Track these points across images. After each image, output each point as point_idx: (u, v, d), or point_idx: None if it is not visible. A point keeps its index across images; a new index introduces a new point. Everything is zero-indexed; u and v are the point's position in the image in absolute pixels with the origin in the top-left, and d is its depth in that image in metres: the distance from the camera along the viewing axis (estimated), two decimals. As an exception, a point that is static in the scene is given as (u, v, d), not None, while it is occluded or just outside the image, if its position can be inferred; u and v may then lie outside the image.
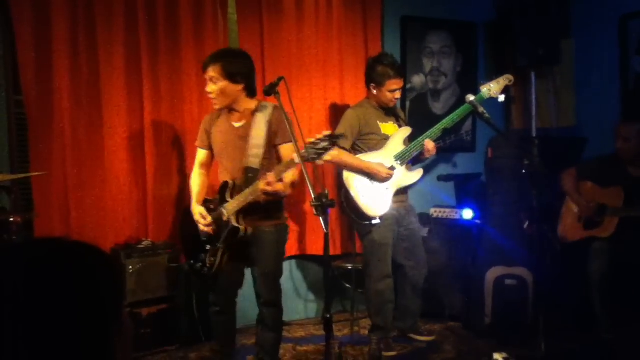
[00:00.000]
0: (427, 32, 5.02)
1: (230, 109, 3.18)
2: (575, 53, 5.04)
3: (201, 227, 3.13)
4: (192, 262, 3.23)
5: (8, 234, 3.13)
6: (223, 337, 3.41)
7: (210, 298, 3.37)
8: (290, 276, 4.63)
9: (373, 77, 3.77)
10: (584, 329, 4.02)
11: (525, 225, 4.20)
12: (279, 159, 3.12)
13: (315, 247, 4.54)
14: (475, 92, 3.64)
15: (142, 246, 3.84)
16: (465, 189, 4.90)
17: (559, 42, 4.85)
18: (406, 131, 3.85)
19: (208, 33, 4.16)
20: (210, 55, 3.15)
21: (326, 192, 2.54)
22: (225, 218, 3.07)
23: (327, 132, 2.64)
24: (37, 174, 3.57)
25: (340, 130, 3.71)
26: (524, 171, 3.30)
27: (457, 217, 4.52)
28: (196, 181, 3.30)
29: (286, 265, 4.56)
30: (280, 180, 2.92)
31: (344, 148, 3.65)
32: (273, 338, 3.29)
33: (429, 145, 3.72)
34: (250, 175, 3.04)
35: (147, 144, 3.98)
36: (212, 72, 3.06)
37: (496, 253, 4.21)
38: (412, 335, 4.05)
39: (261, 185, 2.88)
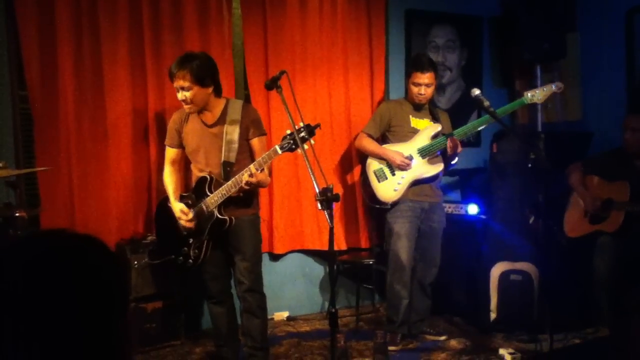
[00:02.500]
0: (432, 25, 4.99)
1: (201, 110, 3.24)
2: (581, 47, 5.01)
3: (183, 222, 3.22)
4: (173, 257, 3.30)
5: (14, 229, 3.13)
6: (225, 329, 3.42)
7: (208, 293, 3.42)
8: (294, 271, 4.63)
9: (405, 70, 3.97)
10: (589, 324, 4.01)
11: (531, 220, 4.19)
12: (251, 152, 3.27)
13: (318, 242, 4.54)
14: (480, 87, 3.64)
15: (147, 241, 3.85)
16: (470, 184, 4.89)
17: (565, 36, 4.82)
18: (435, 127, 3.91)
19: (212, 28, 4.16)
20: (174, 63, 3.11)
21: (330, 186, 2.54)
22: (207, 211, 3.18)
23: (304, 123, 2.83)
24: (42, 169, 3.58)
25: (371, 120, 4.09)
26: (529, 166, 3.28)
27: (462, 212, 4.51)
28: (170, 179, 3.37)
29: (290, 260, 4.57)
30: (262, 170, 3.07)
31: (371, 136, 3.98)
32: (260, 324, 3.35)
33: (455, 141, 3.76)
34: (227, 169, 3.18)
35: (151, 138, 3.99)
36: (181, 81, 3.09)
37: (501, 248, 4.20)
38: (421, 335, 4.05)
39: (245, 176, 3.00)
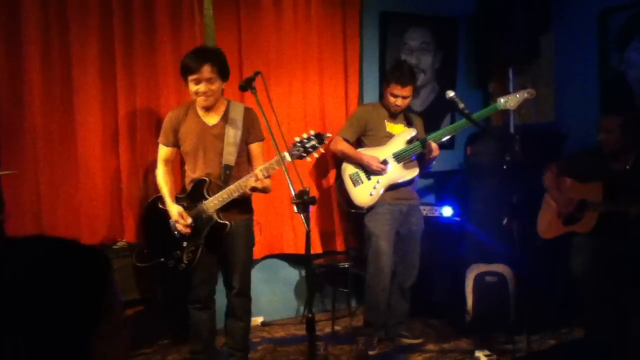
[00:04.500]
0: (407, 28, 4.97)
1: (210, 109, 3.20)
2: (554, 48, 5.04)
3: (180, 226, 3.13)
4: (162, 260, 3.21)
5: (-23, 235, 3.02)
6: (206, 335, 3.37)
7: (189, 296, 3.33)
8: (268, 276, 4.56)
9: (385, 76, 4.00)
10: (565, 325, 4.03)
11: (504, 222, 4.20)
12: (249, 157, 3.30)
13: (293, 246, 4.48)
14: (454, 89, 3.66)
15: (117, 247, 3.76)
16: (445, 187, 4.89)
17: (539, 37, 4.85)
18: (409, 132, 3.91)
19: (184, 28, 4.07)
20: (198, 54, 3.11)
21: (307, 189, 2.51)
22: (205, 215, 3.12)
23: (314, 132, 2.94)
24: (6, 172, 3.46)
25: (346, 123, 4.06)
26: (504, 167, 3.29)
27: (436, 214, 4.50)
28: (165, 179, 3.26)
29: (264, 264, 4.51)
30: (268, 176, 3.06)
31: (347, 140, 3.93)
32: (243, 327, 3.37)
33: (431, 146, 3.76)
34: (227, 173, 3.15)
35: (121, 141, 3.89)
36: (208, 72, 3.06)
37: (476, 250, 4.21)
38: (397, 338, 4.02)
39: (251, 182, 3.01)
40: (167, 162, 3.29)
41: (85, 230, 3.79)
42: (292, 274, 4.68)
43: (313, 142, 2.99)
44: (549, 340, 3.89)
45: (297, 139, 3.02)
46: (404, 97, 3.83)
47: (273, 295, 4.58)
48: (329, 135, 3.09)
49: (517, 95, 3.79)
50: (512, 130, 4.88)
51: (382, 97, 4.03)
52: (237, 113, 3.21)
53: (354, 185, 3.87)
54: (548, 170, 4.07)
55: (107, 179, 3.88)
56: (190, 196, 3.18)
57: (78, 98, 3.77)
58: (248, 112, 3.24)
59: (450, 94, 3.40)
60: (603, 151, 3.89)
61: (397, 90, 3.80)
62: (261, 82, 2.89)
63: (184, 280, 3.32)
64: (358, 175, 3.87)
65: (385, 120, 3.93)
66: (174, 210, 3.14)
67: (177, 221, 3.13)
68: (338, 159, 4.19)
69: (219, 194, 3.09)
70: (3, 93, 3.58)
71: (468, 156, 4.56)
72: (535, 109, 5.16)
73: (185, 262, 3.16)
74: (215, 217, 3.12)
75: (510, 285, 4.05)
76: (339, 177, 4.03)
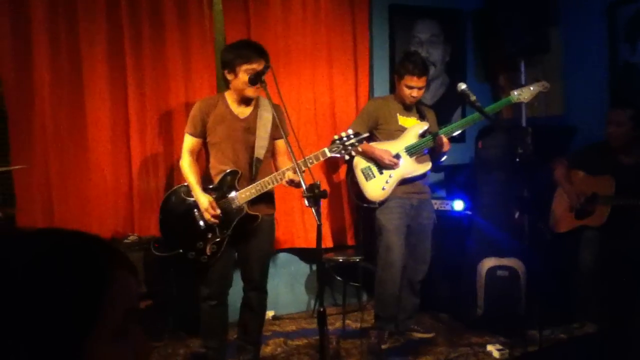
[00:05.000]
0: (416, 20, 4.95)
1: (241, 100, 3.21)
2: (563, 41, 5.01)
3: (208, 216, 3.08)
4: (181, 251, 3.15)
5: (-11, 229, 3.03)
6: (219, 331, 3.33)
7: (203, 292, 3.26)
8: (279, 270, 4.56)
9: (396, 69, 3.91)
10: (575, 319, 4.00)
11: (516, 216, 4.18)
12: (273, 151, 3.31)
13: (304, 240, 4.48)
14: (464, 81, 3.62)
15: (128, 241, 3.76)
16: (456, 180, 4.87)
17: (547, 30, 4.81)
18: (422, 126, 3.87)
19: (193, 23, 4.07)
20: (257, 45, 3.14)
21: (318, 182, 2.49)
22: (236, 206, 3.12)
23: (353, 131, 3.04)
24: (17, 167, 3.47)
25: (358, 117, 4.01)
26: (517, 160, 3.27)
27: (447, 208, 4.48)
28: (192, 169, 3.20)
29: (275, 258, 4.50)
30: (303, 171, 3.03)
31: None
32: (258, 322, 3.39)
33: (442, 140, 3.75)
34: (257, 166, 3.18)
35: (132, 135, 3.90)
36: (264, 62, 3.08)
37: (487, 244, 4.18)
38: (408, 332, 4.01)
39: (289, 174, 3.02)
40: (193, 152, 3.24)
41: (96, 224, 3.79)
42: (303, 269, 4.68)
43: (352, 141, 3.03)
44: (560, 334, 3.87)
45: (337, 136, 3.07)
46: (419, 88, 3.78)
47: (284, 289, 4.58)
48: (366, 134, 3.16)
49: (532, 88, 3.74)
50: (523, 123, 4.84)
51: (392, 90, 3.99)
52: (267, 108, 3.21)
53: (366, 179, 3.83)
54: (559, 163, 4.06)
55: (118, 174, 3.89)
56: (220, 187, 3.15)
57: (88, 93, 3.78)
58: (277, 107, 3.17)
59: (462, 86, 3.38)
60: (611, 145, 3.86)
61: (413, 81, 3.75)
62: (271, 76, 2.88)
63: (197, 275, 3.28)
64: (370, 169, 3.83)
65: (398, 114, 3.88)
66: (205, 199, 3.09)
67: (206, 210, 3.08)
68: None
69: (252, 185, 3.09)
70: (13, 89, 3.59)
71: (479, 150, 4.53)
72: (545, 103, 5.12)
73: (208, 254, 3.12)
74: (246, 208, 3.11)
75: (522, 280, 4.03)
76: (351, 171, 3.97)
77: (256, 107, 3.23)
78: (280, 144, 3.28)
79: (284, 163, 3.29)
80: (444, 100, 5.06)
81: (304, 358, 3.67)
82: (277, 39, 4.33)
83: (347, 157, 3.09)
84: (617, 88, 4.58)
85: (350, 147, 3.05)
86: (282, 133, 3.14)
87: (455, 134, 3.92)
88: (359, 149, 3.11)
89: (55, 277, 0.73)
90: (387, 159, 3.75)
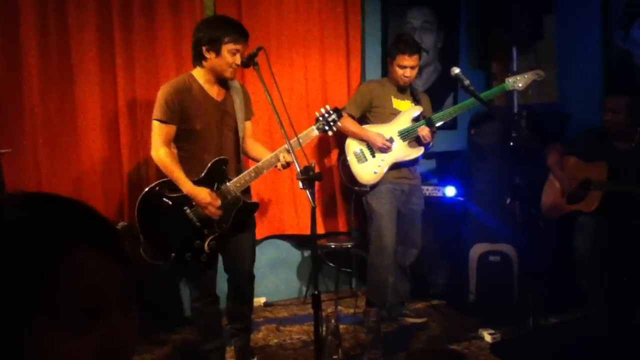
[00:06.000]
0: (409, 6, 4.91)
1: (215, 81, 2.98)
2: (557, 28, 4.99)
3: (213, 210, 2.85)
4: (173, 255, 2.83)
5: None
6: (217, 330, 3.17)
7: (195, 293, 3.05)
8: (270, 257, 4.53)
9: (389, 51, 3.90)
10: (569, 305, 4.01)
11: (507, 202, 4.17)
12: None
13: (296, 226, 4.45)
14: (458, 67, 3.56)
15: (118, 227, 3.71)
16: (448, 167, 4.85)
17: (542, 17, 4.79)
18: (415, 110, 3.85)
19: (184, 9, 4.02)
20: (242, 27, 2.94)
21: (312, 165, 2.46)
22: (231, 196, 2.92)
23: (330, 107, 2.96)
24: (5, 150, 3.41)
25: (351, 99, 3.99)
26: (511, 144, 3.25)
27: (439, 194, 4.47)
28: (175, 161, 2.86)
29: (265, 245, 4.47)
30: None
31: (351, 116, 3.85)
32: (249, 308, 3.27)
33: (423, 131, 3.72)
34: (240, 151, 3.02)
35: (121, 121, 3.84)
36: (245, 45, 2.92)
37: (480, 230, 4.17)
38: (401, 318, 4.00)
39: (287, 156, 2.87)
40: (169, 142, 2.88)
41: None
42: (294, 255, 4.66)
43: (333, 117, 2.98)
44: (554, 320, 3.87)
45: (318, 113, 3.00)
46: (412, 68, 3.76)
47: (275, 276, 4.56)
48: (343, 110, 3.10)
49: (526, 76, 3.73)
50: (515, 110, 4.83)
51: (385, 74, 3.95)
52: (237, 87, 3.06)
53: (358, 162, 3.80)
54: (552, 149, 4.04)
55: (107, 160, 3.84)
56: (211, 178, 2.89)
57: (77, 78, 3.72)
58: (243, 87, 3.10)
59: (456, 70, 3.33)
60: (609, 131, 3.85)
61: (405, 60, 3.73)
62: (263, 57, 2.80)
63: (189, 276, 3.11)
64: (362, 152, 3.80)
65: (392, 97, 3.86)
66: (204, 193, 2.83)
67: (207, 204, 2.83)
68: (340, 137, 4.11)
69: (246, 172, 2.92)
70: (1, 75, 3.52)
71: (472, 136, 4.52)
72: (539, 90, 5.11)
73: (207, 251, 2.89)
74: (243, 197, 2.96)
75: (514, 265, 4.03)
76: (342, 154, 3.94)
77: (227, 86, 3.02)
78: (249, 125, 3.13)
79: (253, 145, 3.14)
80: (436, 86, 5.02)
81: (297, 343, 3.65)
82: (269, 24, 4.29)
83: (330, 133, 3.03)
84: (611, 75, 4.57)
85: (332, 123, 2.98)
86: (251, 113, 3.12)
87: (448, 119, 3.90)
88: (339, 124, 3.03)
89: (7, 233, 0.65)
90: (380, 142, 3.72)
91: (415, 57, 3.75)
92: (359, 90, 4.00)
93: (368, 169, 3.79)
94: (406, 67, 3.74)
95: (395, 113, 3.83)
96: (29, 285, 0.64)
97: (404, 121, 3.81)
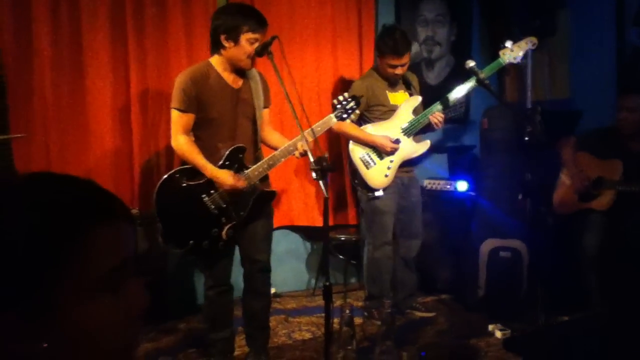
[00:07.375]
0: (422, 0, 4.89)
1: (232, 70, 2.94)
2: (571, 24, 4.95)
3: (241, 184, 2.84)
4: (191, 242, 2.85)
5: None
6: (227, 320, 3.13)
7: (209, 281, 3.05)
8: (279, 247, 4.52)
9: (377, 44, 3.78)
10: (577, 302, 3.99)
11: (519, 197, 4.14)
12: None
13: (304, 218, 4.45)
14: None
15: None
16: (458, 161, 4.83)
17: (555, 12, 4.75)
18: (415, 101, 3.75)
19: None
20: (260, 14, 2.90)
21: (325, 155, 2.46)
22: (249, 184, 2.89)
23: (348, 94, 2.94)
24: (17, 135, 3.41)
25: None
26: (526, 139, 3.22)
27: (451, 189, 4.45)
28: (195, 148, 2.86)
29: (276, 236, 4.41)
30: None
31: (351, 119, 3.57)
32: (266, 303, 3.17)
33: (435, 118, 3.60)
34: (259, 140, 3.00)
35: (133, 109, 3.84)
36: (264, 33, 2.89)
37: (490, 225, 4.15)
38: (409, 311, 3.98)
39: (303, 145, 2.71)
40: (188, 130, 2.88)
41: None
42: (303, 247, 4.65)
43: (352, 104, 2.94)
44: (562, 317, 3.85)
45: (335, 101, 2.95)
46: (402, 66, 3.64)
47: (284, 267, 4.54)
48: (362, 96, 3.04)
49: (520, 45, 3.59)
50: (528, 106, 4.79)
51: (375, 65, 3.83)
52: (255, 75, 3.01)
53: (367, 167, 3.68)
54: (567, 143, 4.00)
55: (118, 148, 3.84)
56: (229, 165, 2.88)
57: (88, 65, 3.73)
58: (261, 75, 3.05)
59: (471, 63, 3.32)
60: (622, 131, 3.81)
61: (395, 61, 3.59)
62: (277, 47, 2.77)
63: (203, 264, 3.10)
64: (369, 156, 3.68)
65: (387, 92, 3.74)
66: (226, 174, 2.82)
67: (233, 186, 2.82)
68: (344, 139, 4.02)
69: (264, 160, 2.90)
70: (12, 60, 3.52)
71: (483, 131, 4.48)
72: (551, 86, 5.08)
73: (225, 239, 2.87)
74: (260, 186, 2.94)
75: (524, 261, 4.00)
76: (349, 160, 3.78)
77: (246, 75, 2.98)
78: (266, 113, 3.07)
79: (271, 133, 3.11)
80: (449, 80, 4.99)
81: (306, 335, 3.65)
82: (281, 17, 4.27)
83: (348, 121, 3.06)
84: (624, 72, 4.53)
85: (350, 111, 2.96)
86: (269, 101, 3.08)
87: (455, 105, 3.71)
88: (357, 112, 3.05)
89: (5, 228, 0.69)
90: (389, 148, 3.63)
91: (407, 55, 3.62)
92: (354, 92, 3.67)
93: (378, 173, 3.68)
94: (396, 66, 3.62)
95: (393, 109, 3.72)
96: (57, 257, 0.71)
97: (404, 116, 3.71)
